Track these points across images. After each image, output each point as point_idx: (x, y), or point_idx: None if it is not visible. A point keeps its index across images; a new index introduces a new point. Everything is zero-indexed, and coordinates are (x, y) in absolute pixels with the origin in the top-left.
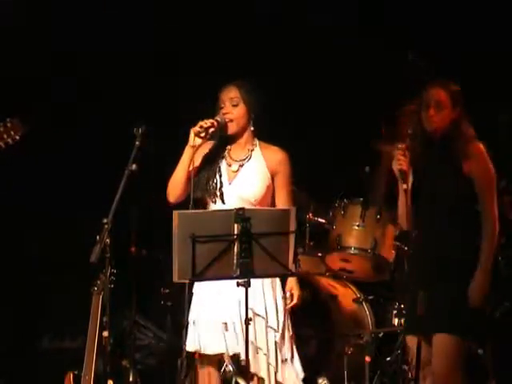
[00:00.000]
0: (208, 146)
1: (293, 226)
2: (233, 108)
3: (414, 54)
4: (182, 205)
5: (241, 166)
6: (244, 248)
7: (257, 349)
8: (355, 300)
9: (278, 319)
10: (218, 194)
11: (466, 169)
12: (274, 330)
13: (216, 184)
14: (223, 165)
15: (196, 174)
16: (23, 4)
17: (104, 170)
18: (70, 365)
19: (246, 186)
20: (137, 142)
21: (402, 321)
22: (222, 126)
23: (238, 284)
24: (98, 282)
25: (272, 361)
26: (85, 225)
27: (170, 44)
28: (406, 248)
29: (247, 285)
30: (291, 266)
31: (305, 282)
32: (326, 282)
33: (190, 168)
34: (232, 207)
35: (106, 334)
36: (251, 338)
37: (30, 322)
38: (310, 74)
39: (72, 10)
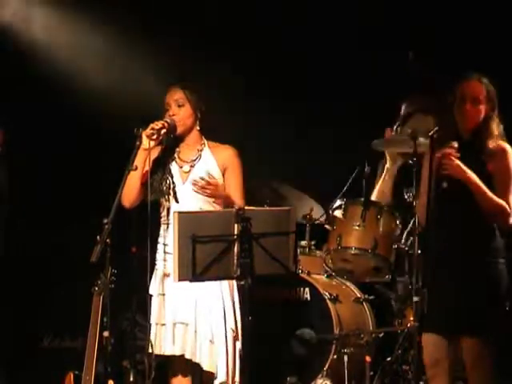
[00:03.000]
0: (157, 151)
1: (293, 226)
2: (179, 109)
3: (415, 54)
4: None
5: (192, 166)
6: (244, 248)
7: (212, 347)
8: (355, 300)
9: (235, 319)
10: (172, 193)
11: (490, 167)
12: (232, 330)
13: (169, 185)
14: (174, 167)
15: (149, 178)
16: None
17: (104, 170)
18: (71, 365)
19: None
20: (137, 143)
21: (412, 318)
22: (172, 128)
23: (238, 284)
24: (99, 282)
25: (230, 358)
26: (85, 225)
27: (170, 44)
28: (406, 248)
29: (247, 285)
30: (291, 266)
31: (305, 282)
32: (326, 282)
33: (144, 171)
34: (188, 206)
35: (106, 334)
36: (209, 337)
37: (30, 322)
38: (311, 73)
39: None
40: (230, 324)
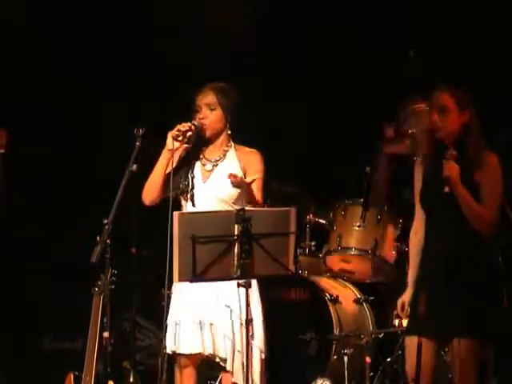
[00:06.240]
0: (184, 149)
1: (293, 227)
2: (209, 112)
3: (415, 54)
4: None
5: (215, 165)
6: (244, 249)
7: (234, 348)
8: (356, 301)
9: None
10: (189, 195)
11: (477, 178)
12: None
13: (188, 184)
14: (197, 165)
15: (171, 178)
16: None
17: (104, 170)
18: (71, 365)
19: (220, 185)
20: (137, 143)
21: (404, 322)
22: (199, 130)
23: (239, 285)
24: (99, 282)
25: (244, 359)
26: (85, 225)
27: (169, 44)
28: (406, 249)
29: (247, 285)
30: (291, 267)
31: (305, 283)
32: (327, 283)
33: (167, 171)
34: (206, 207)
35: (106, 334)
36: (228, 335)
37: (30, 323)
38: (312, 73)
39: (70, 11)
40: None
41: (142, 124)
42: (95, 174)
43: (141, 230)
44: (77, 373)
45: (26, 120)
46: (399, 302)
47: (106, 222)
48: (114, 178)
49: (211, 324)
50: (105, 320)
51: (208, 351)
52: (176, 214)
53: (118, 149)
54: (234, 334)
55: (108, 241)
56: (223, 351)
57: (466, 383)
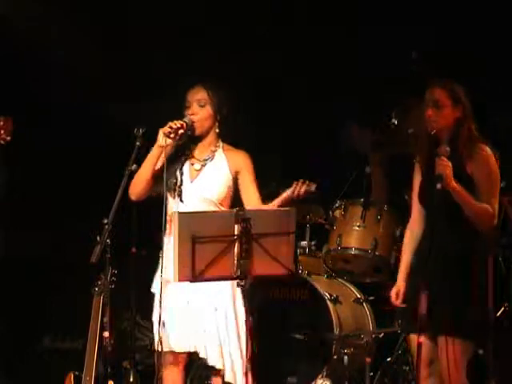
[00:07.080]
0: (171, 146)
1: (293, 227)
2: (199, 109)
3: (417, 54)
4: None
5: (203, 165)
6: (244, 248)
7: (220, 342)
8: (356, 300)
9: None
10: (177, 192)
11: (469, 170)
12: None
13: (176, 182)
14: (186, 164)
15: (161, 173)
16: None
17: (104, 170)
18: (71, 365)
19: (207, 185)
20: (137, 143)
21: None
22: (189, 128)
23: (238, 284)
24: (99, 282)
25: (233, 353)
26: (85, 225)
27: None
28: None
29: (247, 285)
30: (291, 267)
31: (305, 283)
32: (327, 283)
33: (156, 167)
34: (193, 206)
35: (106, 334)
36: (214, 331)
37: (30, 323)
38: (311, 73)
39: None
40: (240, 326)
41: (142, 124)
42: (95, 173)
43: (141, 230)
44: (77, 373)
45: (26, 119)
46: (393, 291)
47: (105, 221)
48: (114, 177)
49: (198, 324)
50: (105, 320)
51: (193, 350)
52: (176, 213)
53: (118, 149)
54: (219, 333)
55: (108, 241)
56: (211, 351)
57: (455, 382)
